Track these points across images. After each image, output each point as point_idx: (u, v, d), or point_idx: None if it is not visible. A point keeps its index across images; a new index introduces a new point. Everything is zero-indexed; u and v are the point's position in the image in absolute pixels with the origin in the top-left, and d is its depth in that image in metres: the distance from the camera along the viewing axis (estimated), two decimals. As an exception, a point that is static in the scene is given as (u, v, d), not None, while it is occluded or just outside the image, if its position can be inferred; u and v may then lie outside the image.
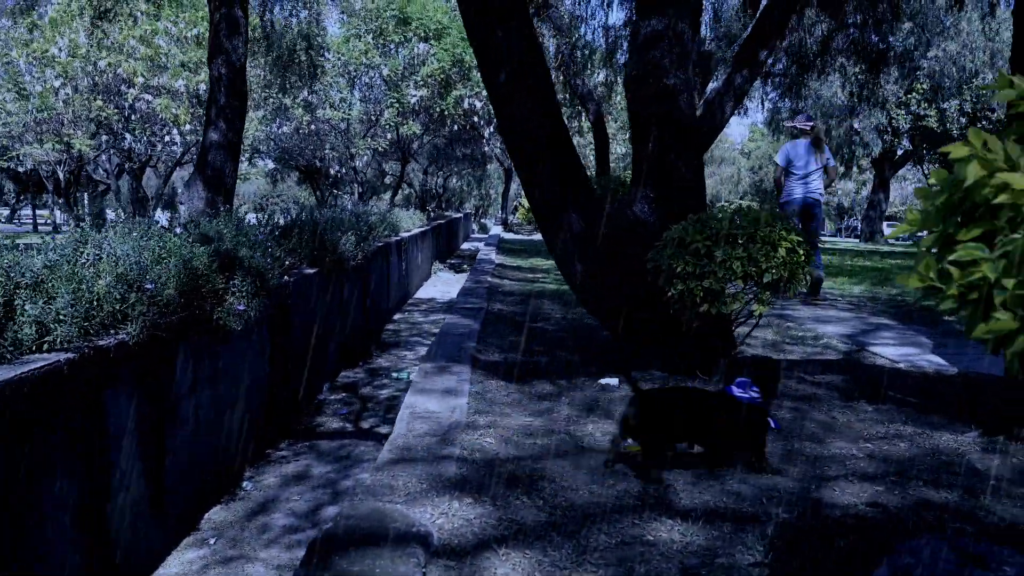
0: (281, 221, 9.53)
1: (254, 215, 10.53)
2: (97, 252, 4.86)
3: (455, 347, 6.85)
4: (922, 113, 27.06)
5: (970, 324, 1.62)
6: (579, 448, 4.22)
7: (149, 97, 22.65)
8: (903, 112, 28.07)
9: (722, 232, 5.35)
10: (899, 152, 35.28)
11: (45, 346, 3.98)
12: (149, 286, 4.83)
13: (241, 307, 5.91)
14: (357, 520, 2.84)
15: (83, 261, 4.71)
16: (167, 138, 24.17)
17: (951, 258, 1.58)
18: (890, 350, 7.36)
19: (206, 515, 5.88)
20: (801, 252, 5.36)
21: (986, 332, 1.54)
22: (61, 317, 4.03)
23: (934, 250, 1.72)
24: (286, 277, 7.66)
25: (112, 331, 4.50)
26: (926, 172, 29.37)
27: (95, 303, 4.41)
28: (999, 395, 5.33)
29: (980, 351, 7.36)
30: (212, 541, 5.46)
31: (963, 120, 25.41)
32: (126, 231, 5.49)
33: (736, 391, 4.04)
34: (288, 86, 23.66)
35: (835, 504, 3.48)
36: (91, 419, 4.19)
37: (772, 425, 4.24)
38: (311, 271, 8.73)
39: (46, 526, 3.75)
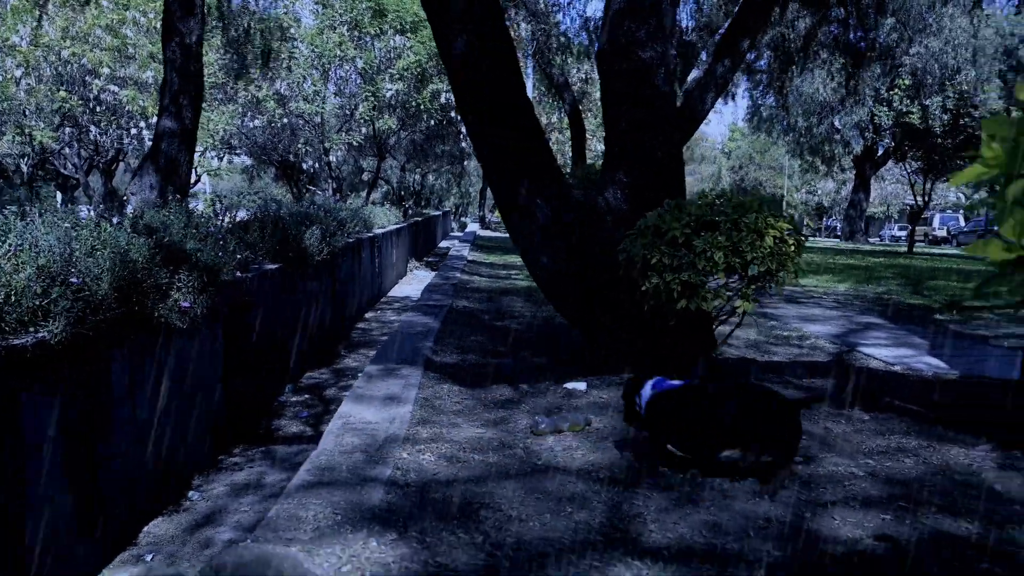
0: (242, 214, 9.00)
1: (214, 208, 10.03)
2: (20, 243, 4.32)
3: (409, 348, 6.23)
4: (904, 110, 26.61)
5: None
6: (534, 467, 3.61)
7: (115, 88, 21.94)
8: (885, 109, 27.61)
9: (703, 219, 4.77)
10: (880, 151, 34.89)
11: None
12: (75, 280, 4.34)
13: (187, 304, 5.40)
14: (233, 573, 2.22)
15: (2, 252, 4.15)
16: (133, 131, 23.46)
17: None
18: (883, 351, 6.79)
19: (146, 528, 5.31)
20: (791, 242, 4.78)
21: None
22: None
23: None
24: (242, 273, 7.11)
25: (32, 329, 3.98)
26: (908, 170, 28.93)
27: (11, 298, 3.84)
28: (1009, 402, 4.77)
29: (981, 353, 6.81)
30: (149, 557, 4.90)
31: (945, 117, 24.97)
32: (54, 221, 4.95)
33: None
34: (252, 74, 22.99)
35: (837, 538, 2.89)
36: (2, 426, 3.67)
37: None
38: (272, 266, 8.18)
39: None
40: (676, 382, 3.73)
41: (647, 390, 3.64)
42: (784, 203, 59.65)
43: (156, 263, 5.28)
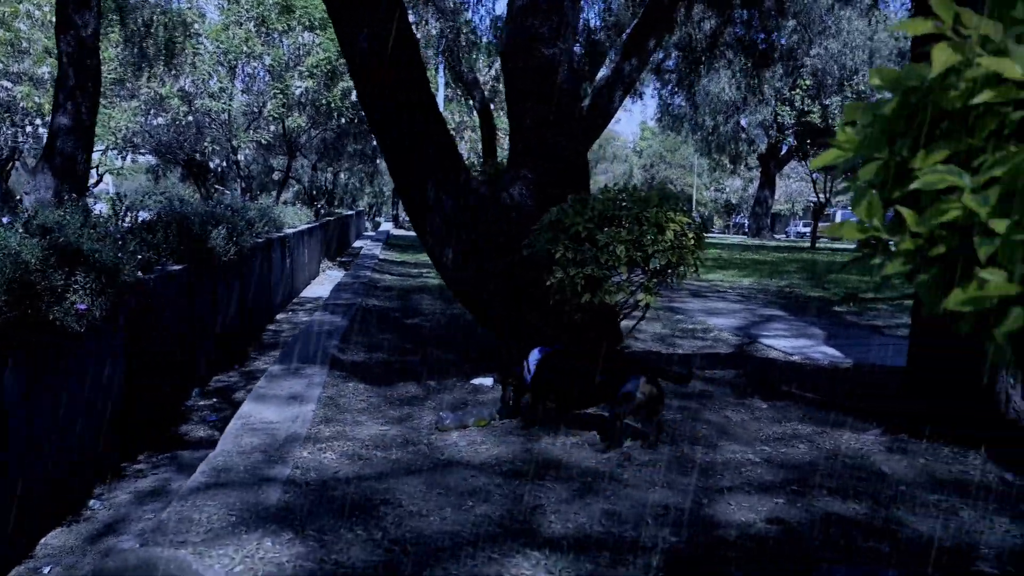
0: (147, 214, 8.70)
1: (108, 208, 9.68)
2: None
3: (315, 347, 6.14)
4: (806, 109, 27.46)
5: (933, 293, 1.07)
6: (437, 463, 3.60)
7: (8, 84, 21.03)
8: (788, 108, 28.45)
9: (605, 214, 4.82)
10: (784, 149, 35.88)
11: None
12: (-44, 283, 4.09)
13: (84, 306, 5.17)
14: (115, 577, 2.14)
15: None
16: (29, 129, 22.54)
17: (913, 185, 1.02)
18: (783, 342, 6.99)
19: (44, 539, 5.07)
20: (691, 235, 4.88)
21: (964, 302, 0.98)
22: None
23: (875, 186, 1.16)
24: (145, 274, 6.87)
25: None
26: (809, 169, 29.93)
27: None
28: (896, 388, 4.97)
29: (875, 342, 7.06)
30: (46, 570, 4.67)
31: (845, 116, 25.84)
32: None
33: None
34: (154, 70, 22.32)
35: (731, 523, 2.96)
36: None
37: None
38: (177, 267, 7.92)
39: None
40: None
41: (535, 354, 4.08)
42: (694, 201, 60.83)
43: (50, 264, 5.06)
